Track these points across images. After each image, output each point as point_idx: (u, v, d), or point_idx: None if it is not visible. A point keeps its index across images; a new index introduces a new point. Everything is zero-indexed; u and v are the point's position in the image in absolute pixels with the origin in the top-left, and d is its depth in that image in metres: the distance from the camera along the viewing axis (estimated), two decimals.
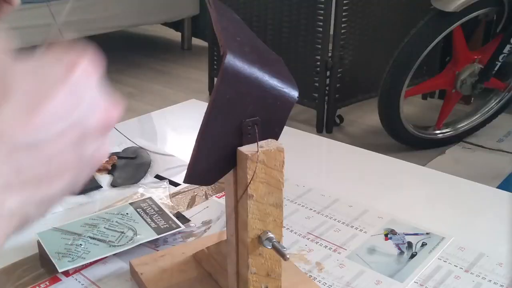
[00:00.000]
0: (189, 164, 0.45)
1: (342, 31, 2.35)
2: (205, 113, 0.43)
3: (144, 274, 0.58)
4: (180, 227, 0.68)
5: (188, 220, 0.72)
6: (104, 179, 0.83)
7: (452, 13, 2.01)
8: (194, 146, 0.44)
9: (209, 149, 0.45)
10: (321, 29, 2.35)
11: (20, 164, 0.28)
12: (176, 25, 3.84)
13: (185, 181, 0.46)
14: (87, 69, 0.30)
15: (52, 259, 0.61)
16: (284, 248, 0.45)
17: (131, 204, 0.72)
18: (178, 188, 0.80)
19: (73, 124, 0.29)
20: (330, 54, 2.39)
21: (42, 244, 0.63)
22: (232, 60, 0.41)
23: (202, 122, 0.43)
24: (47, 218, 0.73)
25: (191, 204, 0.76)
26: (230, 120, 0.44)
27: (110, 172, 0.85)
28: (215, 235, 0.66)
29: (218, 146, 0.45)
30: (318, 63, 2.41)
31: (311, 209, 0.76)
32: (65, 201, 0.77)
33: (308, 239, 0.69)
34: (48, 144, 0.28)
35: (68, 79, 0.29)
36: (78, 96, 0.29)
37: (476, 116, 2.43)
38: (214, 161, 0.45)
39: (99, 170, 0.85)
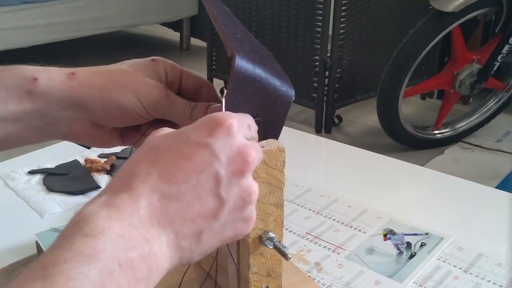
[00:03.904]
0: None
1: (341, 31, 2.35)
2: None
3: None
4: None
5: None
6: (103, 180, 0.83)
7: (450, 13, 2.01)
8: None
9: None
10: (319, 29, 2.35)
11: (167, 208, 0.35)
12: (175, 25, 3.84)
13: None
14: (228, 128, 0.37)
15: None
16: (285, 247, 0.45)
17: None
18: None
19: (209, 175, 0.36)
20: (328, 54, 2.39)
21: (40, 244, 0.63)
22: (241, 63, 0.41)
23: None
24: (46, 218, 0.73)
25: None
26: None
27: (108, 172, 0.85)
28: None
29: None
30: (317, 63, 2.40)
31: (310, 209, 0.76)
32: (64, 201, 0.77)
33: (307, 239, 0.69)
34: (187, 192, 0.35)
35: (208, 141, 0.36)
36: (214, 153, 0.36)
37: (475, 116, 2.43)
38: None
39: (98, 171, 0.85)
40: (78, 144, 0.96)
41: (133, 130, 0.50)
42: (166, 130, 0.39)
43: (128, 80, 0.46)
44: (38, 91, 0.44)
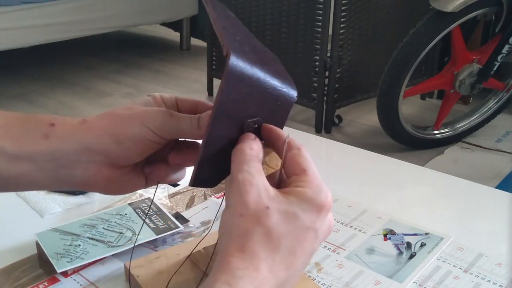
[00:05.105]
0: (194, 168, 0.45)
1: (341, 31, 2.35)
2: (210, 115, 0.42)
3: (140, 277, 0.58)
4: (179, 227, 0.68)
5: (187, 221, 0.72)
6: None
7: (450, 13, 2.01)
8: (200, 149, 0.44)
9: (214, 152, 0.44)
10: (319, 29, 2.36)
11: None
12: (175, 25, 3.84)
13: (191, 185, 0.46)
14: (329, 210, 0.41)
15: (50, 259, 0.61)
16: None
17: (129, 204, 0.72)
18: (177, 188, 0.80)
19: (310, 253, 0.41)
20: (328, 54, 2.39)
21: (40, 244, 0.63)
22: (236, 61, 0.41)
23: (207, 124, 0.43)
24: (46, 218, 0.73)
25: (190, 204, 0.76)
26: (233, 121, 0.43)
27: None
28: (211, 235, 0.66)
29: (222, 148, 0.44)
30: (317, 63, 2.41)
31: None
32: (64, 201, 0.77)
33: None
34: (296, 272, 0.40)
35: (316, 226, 0.40)
36: (318, 236, 0.41)
37: (475, 116, 2.43)
38: (218, 163, 0.45)
39: None
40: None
41: (155, 164, 0.51)
42: (275, 207, 0.40)
43: (131, 113, 0.48)
44: (54, 135, 0.47)
